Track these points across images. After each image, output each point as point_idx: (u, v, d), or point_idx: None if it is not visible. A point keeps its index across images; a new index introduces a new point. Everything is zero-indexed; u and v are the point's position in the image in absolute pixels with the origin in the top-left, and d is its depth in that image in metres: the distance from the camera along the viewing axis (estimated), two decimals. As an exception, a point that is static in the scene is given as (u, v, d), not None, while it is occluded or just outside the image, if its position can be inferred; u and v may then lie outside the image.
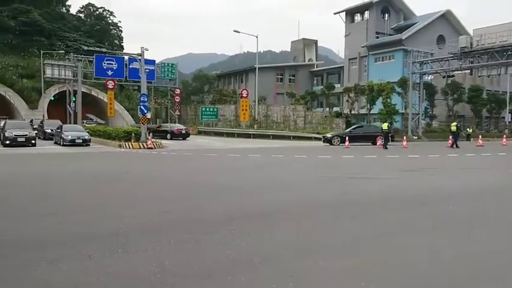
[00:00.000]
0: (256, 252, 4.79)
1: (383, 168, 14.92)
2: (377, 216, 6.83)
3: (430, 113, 44.15)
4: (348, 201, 8.02)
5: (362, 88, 41.16)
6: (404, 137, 29.25)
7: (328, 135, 28.90)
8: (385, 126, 25.97)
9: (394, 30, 51.31)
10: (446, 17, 50.26)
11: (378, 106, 38.76)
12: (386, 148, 24.02)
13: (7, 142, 22.83)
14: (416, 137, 36.09)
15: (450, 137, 26.80)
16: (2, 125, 26.36)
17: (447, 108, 44.91)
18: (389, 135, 26.22)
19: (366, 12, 51.67)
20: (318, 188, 9.93)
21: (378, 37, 50.70)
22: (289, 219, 6.47)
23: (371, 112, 40.56)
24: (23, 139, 23.12)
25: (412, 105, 38.47)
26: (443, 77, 42.53)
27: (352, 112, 43.11)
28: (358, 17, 53.16)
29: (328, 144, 27.39)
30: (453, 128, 26.53)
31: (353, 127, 30.90)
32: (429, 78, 42.65)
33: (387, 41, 48.53)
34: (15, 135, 23.08)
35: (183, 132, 33.48)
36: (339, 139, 27.49)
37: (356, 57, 51.51)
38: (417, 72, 38.29)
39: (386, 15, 52.06)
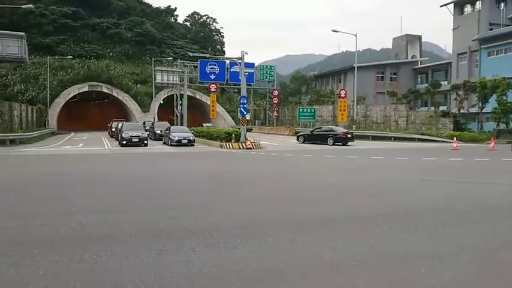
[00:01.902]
0: (354, 255, 4.73)
1: (496, 172, 13.62)
2: (480, 225, 6.29)
3: (556, 111, 39.04)
4: (452, 207, 7.49)
5: (473, 85, 37.86)
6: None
7: (298, 134, 31.44)
8: None
9: (511, 20, 46.33)
10: None
11: (491, 104, 35.37)
12: None
13: (124, 142, 25.24)
14: (538, 138, 32.19)
15: None
16: (119, 126, 29.26)
17: None
18: None
19: (478, 2, 47.40)
20: (422, 192, 9.41)
21: (491, 29, 46.23)
22: (390, 224, 6.24)
23: (483, 111, 37.16)
24: (137, 139, 25.37)
25: (534, 102, 34.40)
26: None
27: (461, 111, 39.89)
28: (468, 8, 49.03)
29: (297, 141, 29.31)
30: None
31: (314, 128, 32.36)
32: (555, 72, 37.74)
33: (503, 32, 43.98)
34: (130, 135, 25.41)
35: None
36: (302, 138, 29.53)
37: (466, 52, 47.56)
38: (540, 66, 34.18)
39: (502, 4, 47.17)
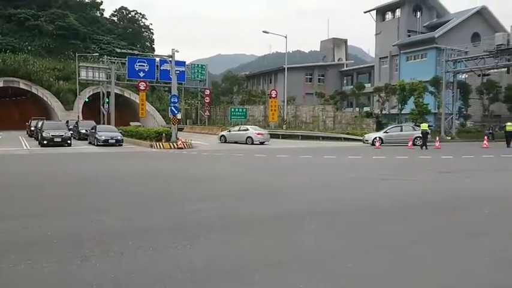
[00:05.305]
0: (286, 252, 4.82)
1: (415, 169, 14.64)
2: (408, 219, 6.73)
3: (464, 112, 42.87)
4: (379, 204, 7.92)
5: (393, 88, 40.37)
6: (437, 138, 28.54)
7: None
8: (425, 126, 25.72)
9: (427, 28, 50.10)
10: (482, 14, 48.66)
11: (410, 106, 37.96)
12: (426, 148, 23.79)
13: (44, 142, 23.67)
14: (449, 138, 35.11)
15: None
16: (39, 125, 27.40)
17: (482, 108, 43.47)
18: (428, 135, 25.82)
19: (398, 10, 50.70)
20: (349, 190, 9.85)
21: (409, 35, 49.65)
22: (319, 221, 6.45)
23: (402, 112, 39.77)
24: (59, 139, 23.92)
25: (446, 104, 37.43)
26: (479, 76, 41.20)
27: (383, 112, 42.39)
28: (389, 15, 52.25)
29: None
30: (508, 128, 26.12)
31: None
32: (463, 77, 41.39)
33: (419, 39, 47.45)
34: (52, 135, 23.90)
35: None
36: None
37: (387, 56, 50.63)
38: (451, 71, 37.25)
39: (419, 13, 50.89)
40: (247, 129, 29.62)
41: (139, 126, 38.52)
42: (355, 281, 3.99)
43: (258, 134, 28.75)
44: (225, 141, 29.40)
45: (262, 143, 28.04)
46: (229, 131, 30.55)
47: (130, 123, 45.06)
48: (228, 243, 5.17)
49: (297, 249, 4.97)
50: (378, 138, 27.04)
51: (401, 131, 28.05)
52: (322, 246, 5.13)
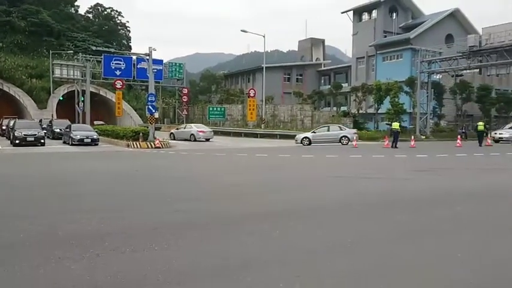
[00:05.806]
0: (264, 252, 4.81)
1: (392, 168, 14.86)
2: (384, 217, 6.81)
3: (439, 112, 43.86)
4: (359, 202, 8.00)
5: (369, 87, 40.97)
6: (412, 137, 29.10)
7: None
8: (396, 125, 26.19)
9: (402, 29, 51.02)
10: (455, 16, 49.88)
11: (386, 105, 38.60)
12: (396, 147, 24.11)
13: (17, 141, 23.05)
14: (424, 137, 35.87)
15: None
16: (11, 124, 26.66)
17: (456, 108, 44.57)
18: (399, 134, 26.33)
19: (374, 11, 51.43)
20: (329, 188, 9.92)
21: (385, 36, 50.45)
22: (298, 220, 6.46)
23: (379, 112, 40.40)
24: (32, 138, 23.34)
25: (420, 104, 38.24)
26: (452, 76, 42.22)
27: (360, 111, 42.95)
28: (365, 16, 52.94)
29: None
30: (480, 128, 26.81)
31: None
32: (437, 77, 42.34)
33: (395, 40, 48.27)
34: (24, 134, 23.29)
35: None
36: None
37: (364, 57, 51.30)
38: (425, 72, 38.07)
39: (394, 14, 51.79)
40: (191, 127, 32.11)
41: (103, 125, 37.90)
42: (333, 278, 4.01)
43: (200, 131, 30.84)
44: (174, 138, 31.34)
45: (207, 140, 29.95)
46: (178, 129, 33.44)
47: (95, 122, 43.96)
48: (209, 243, 5.12)
49: (274, 248, 4.96)
50: (306, 138, 27.87)
51: (328, 130, 28.77)
52: (302, 244, 5.14)
